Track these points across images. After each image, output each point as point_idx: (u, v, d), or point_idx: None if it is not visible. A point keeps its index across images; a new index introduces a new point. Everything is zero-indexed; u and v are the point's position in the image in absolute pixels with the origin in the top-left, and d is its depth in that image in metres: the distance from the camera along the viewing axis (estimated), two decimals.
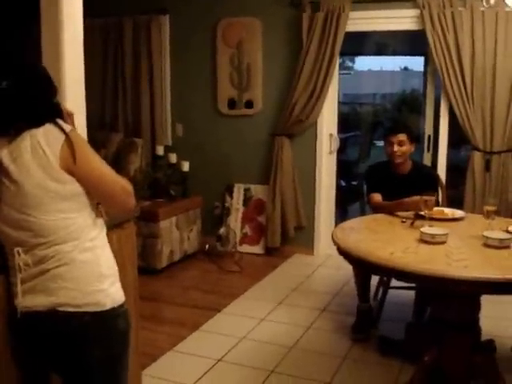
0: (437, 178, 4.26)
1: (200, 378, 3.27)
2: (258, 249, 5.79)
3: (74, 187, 1.77)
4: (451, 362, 3.03)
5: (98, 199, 1.86)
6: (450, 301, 3.02)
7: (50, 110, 1.80)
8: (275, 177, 5.58)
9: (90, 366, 1.84)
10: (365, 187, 4.21)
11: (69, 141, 1.72)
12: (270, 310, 4.28)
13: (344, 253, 3.01)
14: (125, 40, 6.03)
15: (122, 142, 5.80)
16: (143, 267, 4.91)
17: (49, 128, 1.73)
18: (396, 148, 3.92)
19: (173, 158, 5.63)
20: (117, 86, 6.15)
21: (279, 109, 5.58)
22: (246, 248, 5.80)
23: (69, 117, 1.90)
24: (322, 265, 5.43)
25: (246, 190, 5.88)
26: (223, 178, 5.92)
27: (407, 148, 3.95)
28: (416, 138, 4.08)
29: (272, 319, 4.12)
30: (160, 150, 5.75)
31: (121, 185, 1.87)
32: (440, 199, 4.18)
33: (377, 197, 3.99)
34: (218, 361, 3.48)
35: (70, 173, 1.74)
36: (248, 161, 5.84)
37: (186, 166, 5.59)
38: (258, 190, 5.83)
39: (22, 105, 1.75)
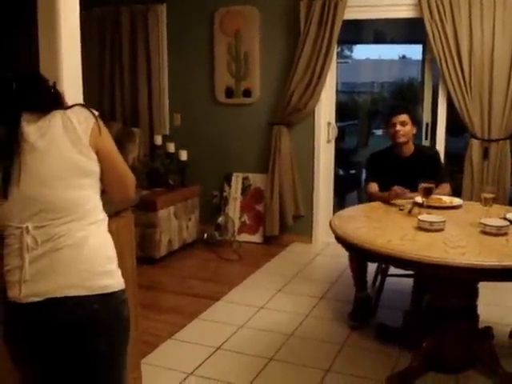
0: (437, 156, 4.28)
1: (199, 366, 3.28)
2: (256, 237, 5.80)
3: (96, 165, 1.85)
4: (449, 349, 3.06)
5: (109, 181, 1.93)
6: (448, 288, 3.05)
7: (56, 93, 1.92)
8: (273, 166, 5.58)
9: (97, 353, 1.83)
10: (364, 175, 4.23)
11: (97, 122, 1.86)
12: (268, 298, 4.29)
13: (342, 240, 3.02)
14: (122, 29, 6.01)
15: (119, 132, 5.78)
16: (142, 256, 4.93)
17: (79, 109, 1.86)
18: (399, 127, 3.98)
19: (171, 147, 5.63)
20: (114, 75, 6.14)
21: (277, 97, 5.57)
22: (244, 237, 5.81)
23: None
24: (321, 253, 5.44)
25: (245, 179, 5.88)
26: (221, 166, 5.93)
27: (409, 128, 4.01)
28: (415, 121, 4.13)
29: (271, 307, 4.14)
30: (158, 140, 5.75)
31: (129, 172, 2.01)
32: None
33: (373, 187, 4.02)
34: (217, 349, 3.49)
35: (96, 150, 1.85)
36: (246, 150, 5.84)
37: (184, 155, 5.59)
38: (257, 179, 5.83)
39: (30, 90, 1.86)
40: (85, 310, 1.78)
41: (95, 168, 1.86)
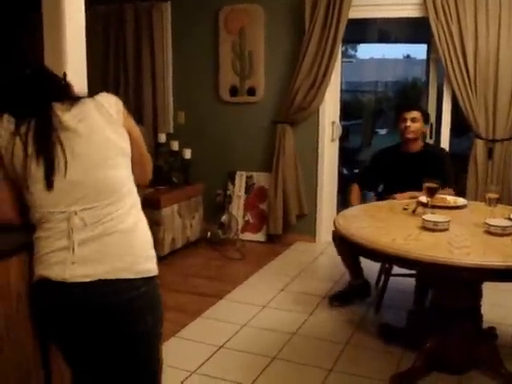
0: (445, 157, 4.23)
1: (202, 364, 3.28)
2: (259, 236, 5.80)
3: (129, 146, 1.94)
4: (453, 349, 3.05)
5: (133, 163, 1.98)
6: (452, 288, 3.04)
7: (65, 88, 1.99)
8: (277, 164, 5.58)
9: (143, 331, 1.92)
10: (363, 169, 4.29)
11: (124, 106, 1.96)
12: (271, 297, 4.29)
13: (345, 240, 3.02)
14: (126, 27, 6.01)
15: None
16: None
17: (105, 94, 1.94)
18: (409, 123, 4.00)
19: (175, 145, 5.63)
20: (118, 72, 6.14)
21: (281, 96, 5.57)
22: (247, 235, 5.81)
23: None
24: (324, 252, 5.44)
25: (248, 178, 5.88)
26: (225, 165, 5.92)
27: (420, 125, 4.03)
28: (428, 120, 4.16)
29: (274, 306, 4.13)
30: (162, 138, 5.74)
31: (149, 157, 2.14)
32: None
33: (355, 192, 4.21)
34: (220, 347, 3.49)
35: (127, 130, 1.94)
36: (250, 148, 5.83)
37: (188, 154, 5.59)
38: (260, 178, 5.83)
39: (53, 82, 1.95)
40: (133, 292, 1.85)
41: (129, 148, 1.94)
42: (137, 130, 2.03)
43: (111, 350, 1.99)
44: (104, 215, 1.83)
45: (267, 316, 3.96)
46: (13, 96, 1.91)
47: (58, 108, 1.85)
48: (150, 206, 4.98)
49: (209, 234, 5.75)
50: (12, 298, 1.96)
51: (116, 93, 5.86)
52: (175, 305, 4.12)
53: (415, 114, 4.03)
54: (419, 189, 3.52)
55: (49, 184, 1.80)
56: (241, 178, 5.90)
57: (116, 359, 2.00)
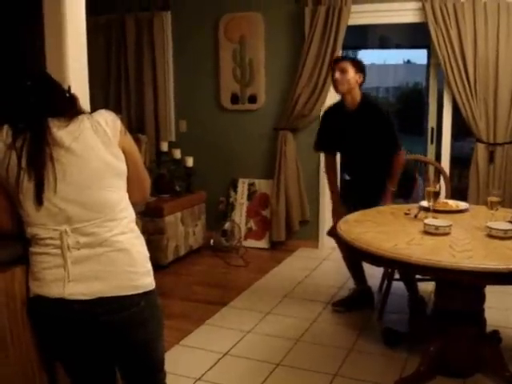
0: (389, 118, 3.87)
1: (206, 372, 3.29)
2: (262, 243, 5.81)
3: (124, 165, 1.93)
4: (456, 353, 3.06)
5: (130, 181, 1.97)
6: (455, 292, 3.04)
7: (71, 100, 1.99)
8: (279, 171, 5.60)
9: (145, 340, 2.00)
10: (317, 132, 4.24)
11: (122, 123, 1.94)
12: (275, 304, 4.29)
13: (348, 245, 3.03)
14: (127, 37, 6.04)
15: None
16: None
17: (103, 112, 1.93)
18: (337, 75, 3.74)
19: (177, 153, 5.64)
20: (120, 82, 6.17)
21: (282, 103, 5.59)
22: (250, 242, 5.82)
23: None
24: (327, 258, 5.44)
25: (251, 185, 5.90)
26: (227, 172, 5.94)
27: (351, 77, 3.73)
28: (362, 69, 3.81)
29: (277, 313, 4.14)
30: (164, 146, 5.76)
31: (147, 175, 2.11)
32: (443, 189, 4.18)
33: (326, 161, 4.28)
34: (224, 354, 3.49)
35: (122, 149, 1.92)
36: (252, 155, 5.85)
37: (190, 162, 5.60)
38: (262, 185, 5.84)
39: (49, 96, 1.91)
40: (133, 308, 1.90)
41: (124, 168, 1.94)
42: (134, 149, 2.00)
43: (112, 359, 2.08)
44: (98, 234, 1.85)
45: (271, 322, 3.96)
46: (11, 108, 1.90)
47: (55, 124, 1.83)
48: (153, 214, 5.01)
49: (212, 241, 5.76)
50: (17, 305, 1.96)
51: (118, 102, 5.88)
52: (179, 312, 4.13)
53: (344, 64, 3.74)
54: (367, 152, 3.77)
55: (39, 200, 1.81)
56: (243, 186, 5.92)
57: (120, 367, 2.10)
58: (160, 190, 5.44)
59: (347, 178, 4.31)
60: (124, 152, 1.92)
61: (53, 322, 1.90)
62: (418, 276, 3.79)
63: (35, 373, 2.07)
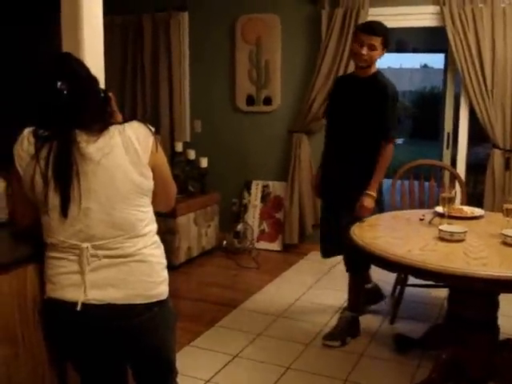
0: (391, 97, 3.54)
1: (216, 374, 3.28)
2: (275, 245, 5.79)
3: (151, 183, 1.89)
4: (469, 360, 3.02)
5: (157, 193, 1.95)
6: (468, 299, 3.01)
7: (105, 102, 1.96)
8: (293, 173, 5.58)
9: (156, 344, 2.01)
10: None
11: (154, 139, 1.88)
12: (286, 307, 4.28)
13: (361, 250, 3.00)
14: (144, 37, 6.05)
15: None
16: None
17: (137, 126, 1.87)
18: (365, 51, 3.42)
19: (191, 154, 5.65)
20: (136, 82, 6.18)
21: (297, 105, 5.57)
22: (263, 245, 5.81)
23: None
24: (340, 262, 5.37)
25: (264, 187, 5.88)
26: (241, 174, 5.93)
27: (377, 54, 3.46)
28: (387, 44, 3.50)
29: (289, 316, 4.12)
30: (178, 147, 5.76)
31: (173, 184, 2.07)
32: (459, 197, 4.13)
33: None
34: (235, 357, 3.49)
35: (152, 166, 1.88)
36: (266, 157, 5.84)
37: (204, 163, 5.60)
38: (276, 187, 5.83)
39: (83, 103, 1.85)
40: (146, 314, 1.90)
41: (151, 185, 1.90)
42: (164, 166, 1.96)
43: (124, 360, 2.11)
44: (120, 249, 1.85)
45: (282, 326, 3.95)
46: (38, 112, 1.87)
47: (83, 138, 1.79)
48: (166, 214, 4.96)
49: (224, 242, 5.76)
50: (28, 305, 1.98)
51: (133, 102, 5.89)
52: (190, 313, 4.13)
53: (376, 40, 3.40)
54: (356, 127, 3.53)
55: (64, 214, 1.80)
56: (257, 187, 5.90)
57: (131, 367, 2.12)
58: None
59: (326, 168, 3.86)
60: (153, 169, 1.88)
61: (65, 325, 1.90)
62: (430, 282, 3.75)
63: (45, 372, 2.08)
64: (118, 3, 5.88)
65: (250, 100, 5.79)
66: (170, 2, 5.91)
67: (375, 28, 3.47)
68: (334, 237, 3.73)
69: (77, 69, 1.91)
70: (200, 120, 6.07)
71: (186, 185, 5.49)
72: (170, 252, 5.05)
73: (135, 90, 6.19)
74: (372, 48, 3.42)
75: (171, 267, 4.94)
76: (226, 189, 5.88)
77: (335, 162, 3.71)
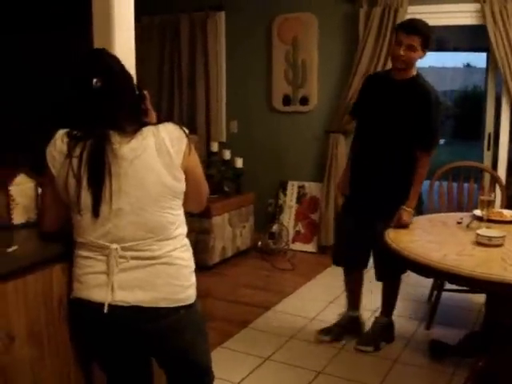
0: (434, 103, 3.31)
1: (247, 376, 3.25)
2: (310, 247, 5.73)
3: (183, 185, 1.88)
4: (505, 369, 2.92)
5: (188, 194, 1.93)
6: (506, 306, 2.91)
7: (139, 101, 1.95)
8: (329, 174, 5.51)
9: (183, 347, 2.00)
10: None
11: (188, 142, 1.86)
12: (320, 310, 4.22)
13: (396, 254, 2.93)
14: (181, 37, 6.07)
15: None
16: (195, 263, 4.93)
17: (171, 128, 1.85)
18: (403, 51, 3.19)
19: (226, 154, 5.63)
20: (173, 81, 6.21)
21: (334, 105, 5.50)
22: (298, 246, 5.76)
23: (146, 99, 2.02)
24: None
25: (300, 188, 5.83)
26: (277, 174, 5.89)
27: (416, 55, 3.23)
28: (428, 45, 3.25)
29: (322, 319, 4.06)
30: (214, 146, 5.76)
31: (206, 185, 2.04)
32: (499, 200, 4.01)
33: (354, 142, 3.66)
34: (266, 359, 3.45)
35: (185, 170, 1.86)
36: (302, 158, 5.79)
37: (239, 163, 5.58)
38: (312, 188, 5.77)
39: (117, 101, 1.84)
40: (172, 317, 1.89)
41: (183, 188, 1.89)
42: (197, 168, 1.93)
43: (149, 361, 2.11)
44: (149, 251, 1.84)
45: (314, 329, 3.87)
46: (74, 112, 1.86)
47: (116, 140, 1.78)
48: (201, 214, 4.97)
49: (259, 243, 5.72)
50: (54, 304, 1.97)
51: (170, 102, 5.91)
52: (222, 314, 4.11)
53: (415, 40, 3.17)
54: (392, 125, 3.32)
55: (95, 213, 1.80)
56: (292, 188, 5.86)
57: (163, 370, 2.12)
58: (209, 191, 5.42)
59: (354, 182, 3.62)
60: (186, 171, 1.87)
61: (91, 325, 1.91)
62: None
63: (71, 372, 2.07)
64: (157, 4, 5.95)
65: (287, 100, 5.75)
66: (207, 2, 5.91)
67: (415, 26, 3.24)
68: (358, 245, 3.58)
69: (111, 64, 1.90)
70: (236, 120, 6.05)
71: (221, 185, 5.47)
72: (204, 252, 5.07)
73: (172, 90, 6.22)
74: (411, 48, 3.19)
75: (205, 267, 5.01)
76: (261, 189, 5.85)
77: (368, 167, 3.48)
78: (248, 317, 4.07)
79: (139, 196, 1.80)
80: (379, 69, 5.08)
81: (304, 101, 5.68)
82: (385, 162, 3.40)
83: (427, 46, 3.25)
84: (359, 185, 3.56)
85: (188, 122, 6.14)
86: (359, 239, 3.54)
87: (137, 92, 1.95)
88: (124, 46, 2.71)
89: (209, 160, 5.74)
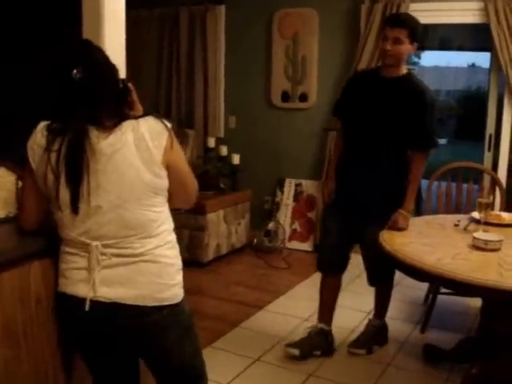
0: (429, 101, 3.17)
1: (236, 377, 3.19)
2: (306, 246, 5.66)
3: (166, 181, 1.81)
4: (500, 376, 2.85)
5: (173, 190, 1.87)
6: (502, 312, 2.84)
7: (122, 94, 1.87)
8: (327, 172, 5.44)
9: (167, 347, 1.94)
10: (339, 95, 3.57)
11: (170, 136, 1.78)
12: (313, 310, 4.11)
13: (389, 256, 2.86)
14: (180, 30, 6.00)
15: (174, 133, 5.76)
16: (189, 260, 4.87)
17: (152, 122, 1.77)
18: (389, 46, 3.05)
19: (223, 150, 5.56)
20: (171, 75, 6.14)
21: (334, 103, 5.39)
22: (294, 244, 5.69)
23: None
24: None
25: (297, 185, 5.76)
26: (274, 171, 5.82)
27: (404, 48, 3.08)
28: (418, 37, 3.13)
29: (315, 320, 3.98)
30: (211, 142, 5.69)
31: (192, 181, 1.95)
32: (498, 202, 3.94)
33: (339, 142, 3.50)
34: (256, 360, 3.39)
35: (166, 165, 1.79)
36: (300, 155, 5.71)
37: (236, 159, 5.52)
38: (310, 186, 5.70)
39: (98, 94, 1.77)
40: (155, 316, 1.84)
41: (165, 185, 1.83)
42: (180, 162, 1.85)
43: (135, 361, 2.08)
44: (131, 248, 1.80)
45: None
46: (54, 104, 1.81)
47: (94, 134, 1.73)
48: (196, 211, 4.93)
49: (255, 241, 5.65)
50: (31, 302, 1.92)
51: (168, 96, 5.82)
52: (214, 313, 4.05)
53: (400, 32, 3.02)
54: (385, 125, 3.14)
55: (74, 210, 1.76)
56: (290, 186, 5.78)
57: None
58: (204, 187, 5.34)
59: (346, 175, 3.41)
60: (168, 167, 1.80)
61: (75, 319, 1.88)
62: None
63: (48, 370, 2.02)
64: None
65: (285, 96, 5.67)
66: None
67: (399, 18, 3.17)
68: (340, 246, 3.45)
69: (94, 56, 1.83)
70: (234, 116, 5.98)
71: (217, 181, 5.41)
72: (198, 249, 5.01)
73: (170, 84, 6.14)
74: (397, 42, 3.04)
75: (199, 264, 4.93)
76: (258, 186, 5.78)
77: (358, 170, 3.30)
78: (240, 316, 4.01)
79: (118, 193, 1.75)
80: None
81: (303, 97, 5.60)
82: (377, 163, 3.24)
83: (416, 39, 3.11)
84: (349, 188, 3.38)
85: (186, 117, 6.08)
86: (343, 240, 3.42)
87: (121, 85, 1.88)
88: (114, 41, 2.65)
89: (205, 156, 5.68)
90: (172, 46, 6.09)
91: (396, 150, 3.23)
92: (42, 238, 1.95)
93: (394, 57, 3.10)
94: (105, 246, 1.78)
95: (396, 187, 3.24)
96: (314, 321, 3.91)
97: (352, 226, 3.36)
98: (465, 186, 4.21)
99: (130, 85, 1.92)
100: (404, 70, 3.23)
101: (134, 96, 1.93)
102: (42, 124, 1.80)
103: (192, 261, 4.88)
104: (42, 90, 1.87)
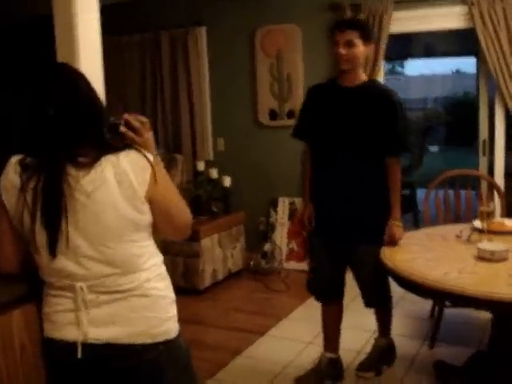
0: (397, 105, 3.04)
1: None
2: (305, 265, 5.50)
3: (149, 217, 1.72)
4: None
5: (160, 223, 1.76)
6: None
7: (103, 126, 1.71)
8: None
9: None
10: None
11: (153, 170, 1.67)
12: (317, 333, 3.97)
13: (392, 274, 2.74)
14: (162, 54, 5.91)
15: (162, 159, 5.65)
16: (185, 288, 4.76)
17: (134, 156, 1.66)
18: (342, 49, 2.92)
19: (213, 173, 5.45)
20: (156, 101, 6.03)
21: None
22: (292, 265, 5.55)
23: (143, 126, 1.75)
24: None
25: (291, 204, 5.64)
26: (267, 191, 5.70)
27: (359, 50, 2.94)
28: (371, 37, 3.06)
29: (320, 343, 3.82)
30: (201, 166, 5.58)
31: (182, 213, 1.81)
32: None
33: (305, 155, 3.35)
34: None
35: (149, 199, 1.69)
36: (292, 173, 5.58)
37: (227, 181, 5.40)
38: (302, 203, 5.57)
39: (73, 130, 1.66)
40: (150, 354, 1.73)
41: (149, 220, 1.73)
42: (166, 196, 1.73)
43: None
44: (118, 285, 1.69)
45: (312, 354, 3.67)
46: (25, 139, 1.70)
47: (73, 172, 1.62)
48: (189, 237, 4.73)
49: (251, 263, 5.52)
50: (15, 350, 1.83)
51: (154, 121, 5.70)
52: (213, 343, 3.91)
53: (351, 34, 2.90)
54: (354, 136, 2.99)
55: (52, 253, 1.65)
56: (283, 205, 5.66)
57: None
58: (197, 212, 5.23)
59: (321, 195, 3.25)
60: (151, 201, 1.69)
61: (65, 365, 1.75)
62: None
63: None
64: (136, 22, 5.80)
65: (273, 114, 5.58)
66: (187, 18, 5.75)
67: (347, 22, 3.12)
68: (338, 276, 3.33)
69: (69, 86, 1.69)
70: (222, 138, 5.87)
71: (209, 205, 5.29)
72: (194, 276, 4.88)
73: (155, 109, 6.03)
74: (350, 44, 2.91)
75: (196, 292, 4.79)
76: (251, 208, 5.65)
77: (334, 191, 3.14)
78: (241, 343, 3.87)
79: (98, 232, 1.65)
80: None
81: (291, 114, 5.50)
82: (352, 181, 3.08)
83: (368, 39, 2.99)
84: (329, 212, 3.20)
85: (173, 142, 5.97)
86: (333, 268, 3.27)
87: (111, 122, 1.72)
88: (90, 70, 2.52)
89: (195, 180, 5.56)
90: (155, 71, 6.00)
91: (370, 161, 3.06)
92: (23, 282, 1.84)
93: (350, 61, 2.97)
94: (89, 286, 1.67)
95: (377, 201, 3.11)
96: (318, 343, 3.78)
97: (340, 251, 3.22)
98: (462, 192, 4.11)
99: (122, 128, 1.72)
100: (363, 76, 3.11)
101: (123, 128, 1.75)
102: (14, 160, 1.68)
103: (188, 288, 4.75)
104: (13, 122, 1.75)
